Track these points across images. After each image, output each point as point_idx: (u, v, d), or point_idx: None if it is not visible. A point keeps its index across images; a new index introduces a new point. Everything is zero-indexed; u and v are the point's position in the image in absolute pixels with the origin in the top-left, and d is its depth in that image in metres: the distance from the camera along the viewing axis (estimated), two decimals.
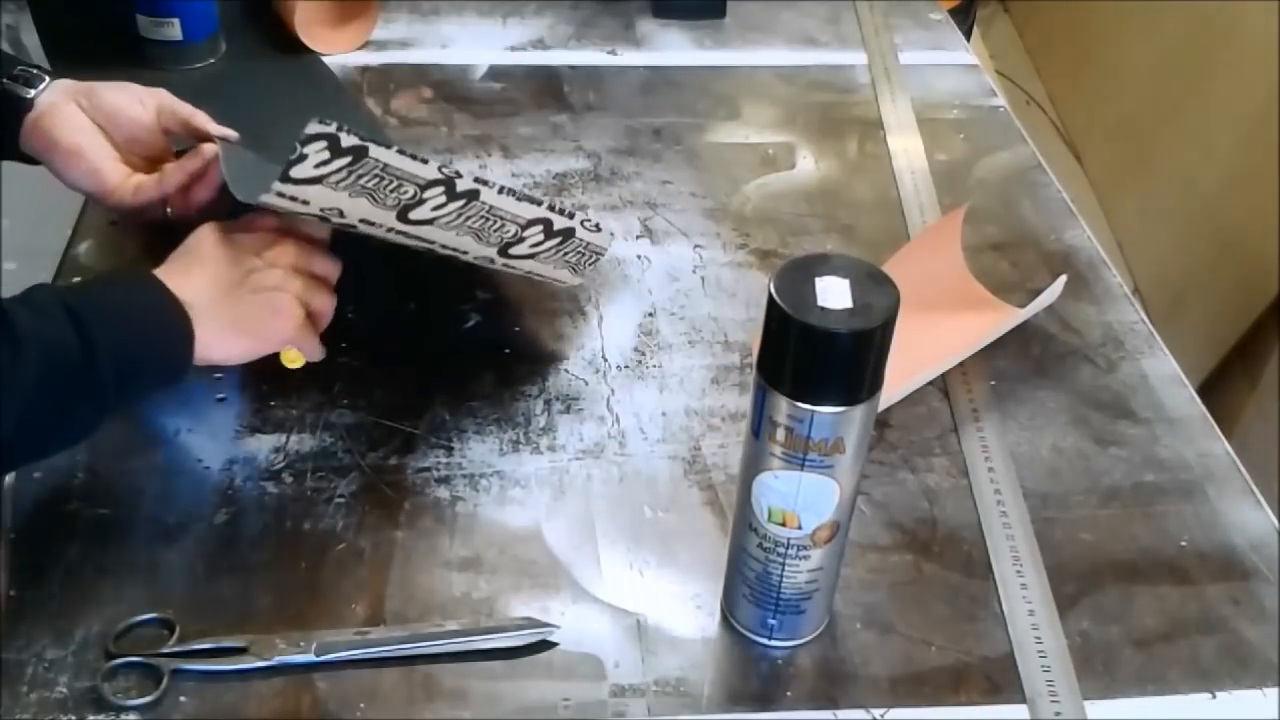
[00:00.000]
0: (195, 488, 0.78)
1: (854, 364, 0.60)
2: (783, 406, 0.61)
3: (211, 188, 0.87)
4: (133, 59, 1.15)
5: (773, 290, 0.59)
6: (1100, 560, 0.77)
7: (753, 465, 0.64)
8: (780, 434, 0.62)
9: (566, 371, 0.89)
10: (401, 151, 0.71)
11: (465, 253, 0.81)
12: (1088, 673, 0.70)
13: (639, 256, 1.00)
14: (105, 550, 0.73)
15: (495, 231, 0.78)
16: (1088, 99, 2.43)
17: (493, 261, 0.82)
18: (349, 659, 0.68)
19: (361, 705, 0.66)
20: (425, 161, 0.72)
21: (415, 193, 0.73)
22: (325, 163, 0.69)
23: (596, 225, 0.83)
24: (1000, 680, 0.70)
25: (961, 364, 0.90)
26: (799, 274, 0.60)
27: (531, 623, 0.70)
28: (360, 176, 0.71)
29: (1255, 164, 1.78)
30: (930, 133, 1.18)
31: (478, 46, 1.27)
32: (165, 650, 0.67)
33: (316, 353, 0.81)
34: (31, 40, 1.18)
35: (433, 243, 0.78)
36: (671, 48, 1.30)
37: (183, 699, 0.66)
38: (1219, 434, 0.86)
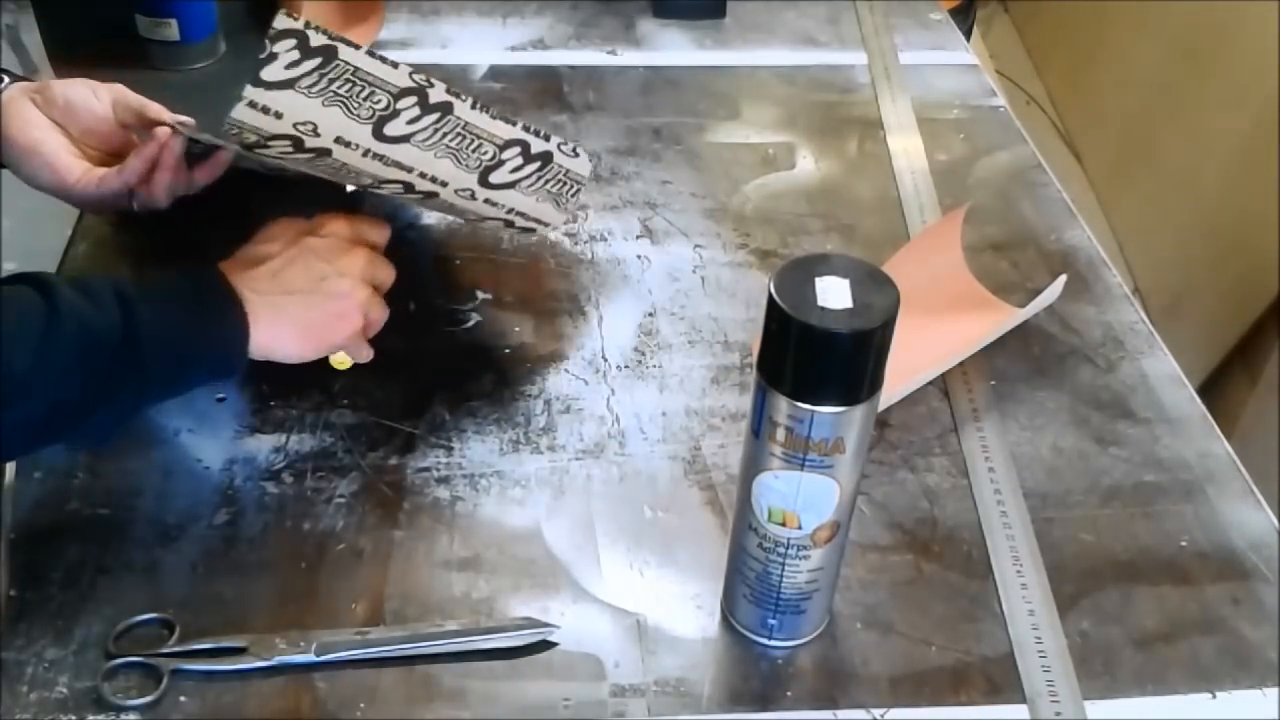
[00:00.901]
0: (195, 488, 0.78)
1: (854, 364, 0.60)
2: (783, 406, 0.61)
3: (171, 171, 0.87)
4: (133, 59, 1.15)
5: (773, 290, 0.59)
6: (1100, 560, 0.77)
7: (753, 465, 0.64)
8: (780, 434, 0.62)
9: (566, 371, 0.89)
10: (371, 54, 0.71)
11: (446, 184, 0.79)
12: (1088, 673, 0.70)
13: (639, 256, 1.00)
14: (105, 550, 0.73)
15: (473, 153, 0.78)
16: (1088, 99, 2.43)
17: (474, 196, 0.81)
18: (349, 659, 0.68)
19: (361, 705, 0.66)
20: (395, 66, 0.72)
21: (388, 102, 0.73)
22: (296, 63, 0.69)
23: (574, 150, 0.82)
24: (1000, 680, 0.70)
25: (961, 364, 0.90)
26: (799, 274, 0.60)
27: (531, 623, 0.70)
28: (332, 80, 0.70)
29: (1255, 164, 1.78)
30: (930, 133, 1.18)
31: (478, 46, 1.27)
32: (165, 650, 0.67)
33: (366, 357, 0.82)
34: (32, 40, 1.18)
35: (411, 171, 0.77)
36: (671, 48, 1.30)
37: (183, 699, 0.66)
38: (1219, 434, 0.86)
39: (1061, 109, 2.53)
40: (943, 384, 0.89)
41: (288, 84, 0.69)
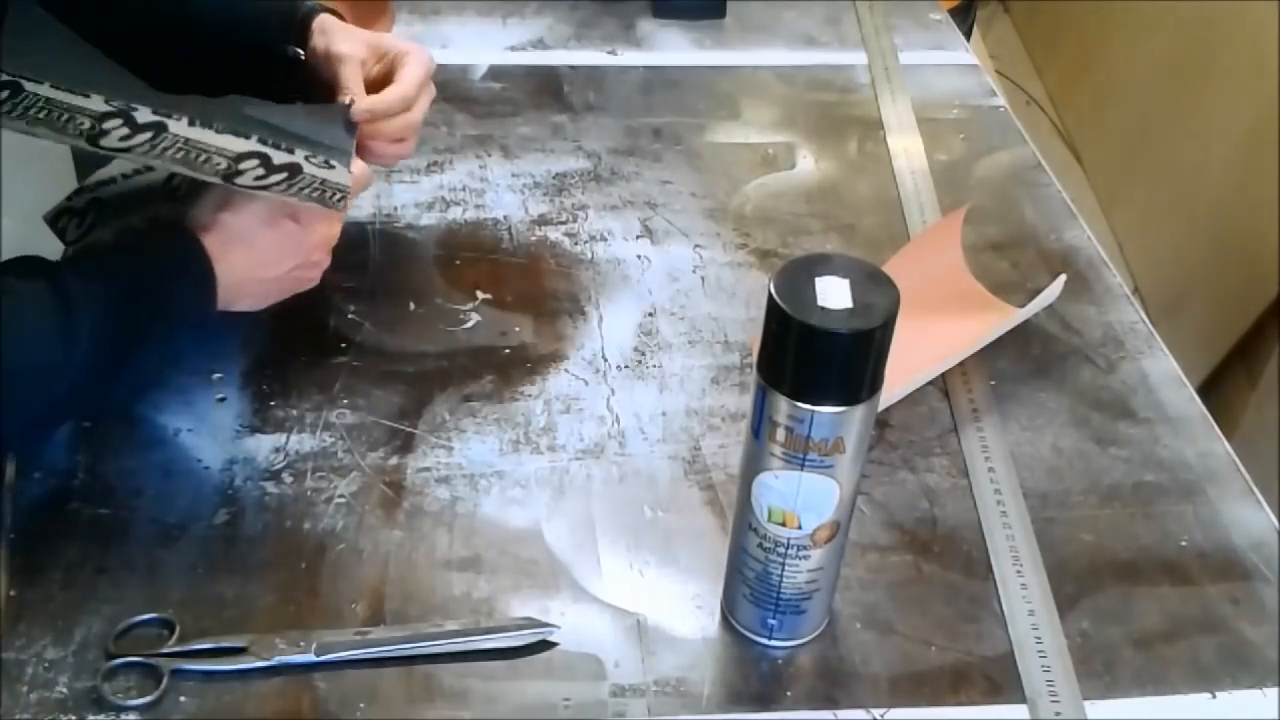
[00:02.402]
0: (195, 488, 0.78)
1: (854, 364, 0.60)
2: (783, 406, 0.61)
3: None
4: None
5: (773, 290, 0.59)
6: (1100, 560, 0.77)
7: (753, 465, 0.64)
8: (780, 434, 0.62)
9: (566, 371, 0.89)
10: (59, 87, 0.72)
11: (195, 173, 0.79)
12: (1088, 673, 0.70)
13: (639, 256, 1.00)
14: (105, 550, 0.73)
15: (204, 163, 0.77)
16: (1088, 99, 2.44)
17: (229, 186, 0.80)
18: (349, 659, 0.68)
19: (361, 705, 0.66)
20: (87, 95, 0.73)
21: (93, 124, 0.74)
22: (79, 224, 0.75)
23: (327, 161, 0.80)
24: (1000, 680, 0.70)
25: (961, 364, 0.90)
26: (799, 274, 0.60)
27: (531, 623, 0.70)
28: (28, 108, 0.72)
29: (1255, 164, 1.78)
30: (930, 133, 1.18)
31: (478, 46, 1.27)
32: (165, 650, 0.67)
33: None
34: None
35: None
36: (671, 48, 1.30)
37: (183, 699, 0.66)
38: (1219, 434, 0.86)
39: (1061, 109, 2.53)
40: (943, 384, 0.89)
41: (85, 236, 0.76)
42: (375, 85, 0.89)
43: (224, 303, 0.78)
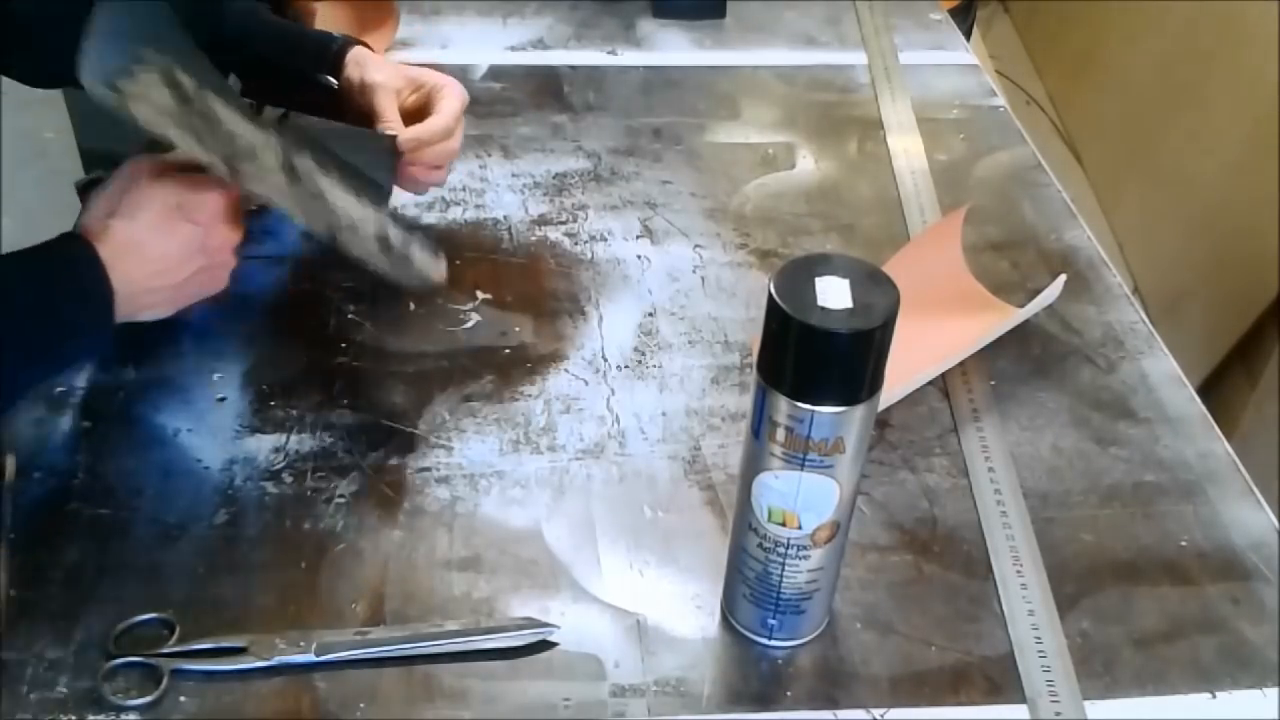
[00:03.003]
0: (195, 488, 0.78)
1: (854, 364, 0.60)
2: (783, 406, 0.61)
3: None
4: None
5: (773, 290, 0.59)
6: (1100, 560, 0.77)
7: (753, 465, 0.64)
8: (780, 434, 0.62)
9: (566, 371, 0.89)
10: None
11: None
12: (1088, 673, 0.70)
13: (639, 256, 1.00)
14: (105, 550, 0.73)
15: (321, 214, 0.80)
16: (1088, 99, 2.44)
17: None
18: (349, 659, 0.68)
19: (361, 705, 0.66)
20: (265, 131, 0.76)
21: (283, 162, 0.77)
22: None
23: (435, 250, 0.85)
24: (1000, 680, 0.70)
25: (961, 364, 0.90)
26: (799, 274, 0.60)
27: (531, 623, 0.70)
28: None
29: (1255, 164, 1.78)
30: (930, 133, 1.18)
31: (478, 46, 1.27)
32: (165, 650, 0.67)
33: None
34: None
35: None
36: (671, 48, 1.30)
37: (183, 699, 0.66)
38: (1219, 434, 0.86)
39: (1061, 109, 2.53)
40: (943, 384, 0.89)
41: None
42: (410, 116, 0.93)
43: (123, 315, 0.74)
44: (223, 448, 0.80)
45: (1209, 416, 0.88)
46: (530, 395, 0.86)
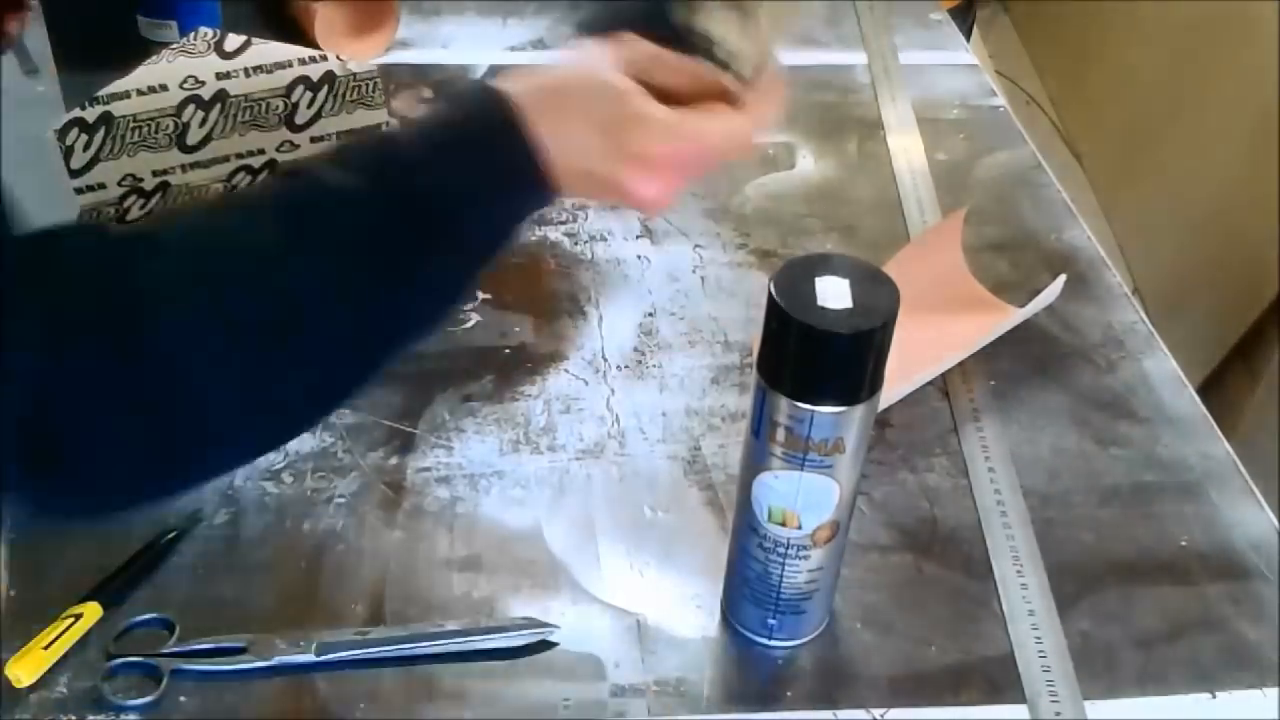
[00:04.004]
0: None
1: (854, 364, 0.60)
2: (783, 406, 0.61)
3: None
4: (134, 61, 1.14)
5: (773, 290, 0.59)
6: (1100, 560, 0.77)
7: (753, 465, 0.64)
8: (780, 434, 0.62)
9: (566, 371, 0.89)
10: (141, 93, 0.84)
11: (263, 150, 0.88)
12: (1088, 673, 0.70)
13: (639, 256, 1.00)
14: (105, 550, 0.73)
15: (267, 113, 0.87)
16: (1088, 99, 2.43)
17: (295, 145, 0.90)
18: (349, 659, 0.68)
19: (361, 705, 0.66)
20: (164, 88, 0.84)
21: (174, 123, 0.84)
22: (86, 145, 0.81)
23: (338, 56, 0.90)
24: (1000, 680, 0.70)
25: (961, 364, 0.90)
26: (799, 274, 0.60)
27: (531, 623, 0.70)
28: (121, 135, 0.82)
29: (1256, 164, 1.78)
30: (930, 133, 1.18)
31: (478, 46, 1.27)
32: (165, 650, 0.67)
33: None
34: (33, 44, 1.18)
35: (230, 159, 0.88)
36: None
37: (183, 699, 0.66)
38: (1219, 434, 0.86)
39: (1061, 109, 2.53)
40: (943, 384, 0.89)
41: (89, 164, 0.82)
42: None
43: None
44: None
45: (1209, 417, 0.88)
46: (530, 395, 0.86)
